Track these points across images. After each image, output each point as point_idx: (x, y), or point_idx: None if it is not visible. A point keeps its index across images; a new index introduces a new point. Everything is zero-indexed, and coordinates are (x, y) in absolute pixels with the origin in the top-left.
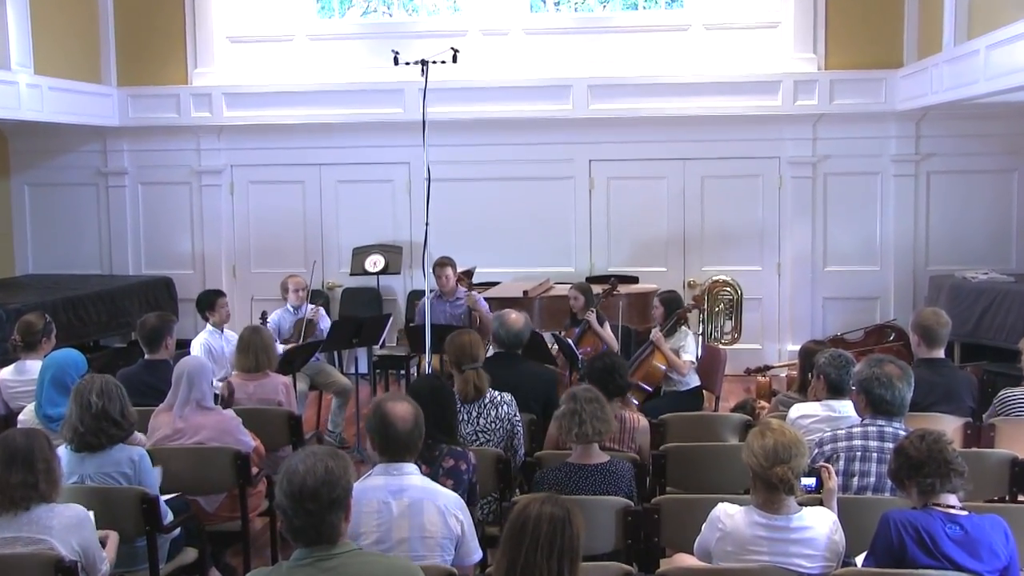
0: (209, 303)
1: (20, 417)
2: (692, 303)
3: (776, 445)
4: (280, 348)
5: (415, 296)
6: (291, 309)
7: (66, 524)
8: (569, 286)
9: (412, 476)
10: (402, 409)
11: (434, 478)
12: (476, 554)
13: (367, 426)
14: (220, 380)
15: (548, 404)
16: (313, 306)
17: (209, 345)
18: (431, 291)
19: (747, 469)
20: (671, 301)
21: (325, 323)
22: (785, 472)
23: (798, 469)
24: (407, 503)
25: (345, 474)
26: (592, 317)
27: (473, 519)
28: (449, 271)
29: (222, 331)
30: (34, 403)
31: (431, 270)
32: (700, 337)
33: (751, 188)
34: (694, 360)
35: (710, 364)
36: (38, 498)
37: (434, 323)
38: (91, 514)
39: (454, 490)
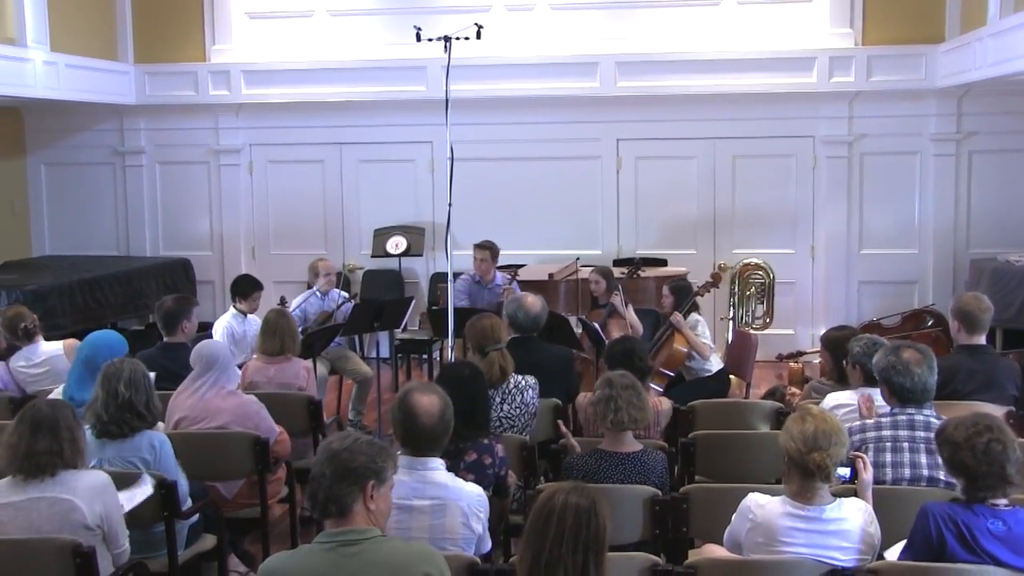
0: (243, 292)
1: (49, 399)
2: (710, 280)
3: (816, 431)
4: None
5: (438, 278)
6: (319, 294)
7: (90, 487)
8: (590, 269)
9: (437, 472)
10: (429, 402)
11: (455, 472)
12: (486, 547)
13: (391, 416)
14: (240, 365)
15: (569, 386)
16: (344, 295)
17: (232, 329)
18: (468, 274)
19: (783, 454)
20: (682, 289)
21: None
22: (823, 459)
23: (836, 457)
24: (429, 505)
25: (375, 456)
26: (617, 300)
27: (501, 513)
28: (488, 255)
29: (246, 316)
30: (64, 384)
31: (472, 252)
32: (731, 322)
33: (784, 168)
34: (712, 344)
35: (741, 350)
36: (63, 465)
37: (460, 307)
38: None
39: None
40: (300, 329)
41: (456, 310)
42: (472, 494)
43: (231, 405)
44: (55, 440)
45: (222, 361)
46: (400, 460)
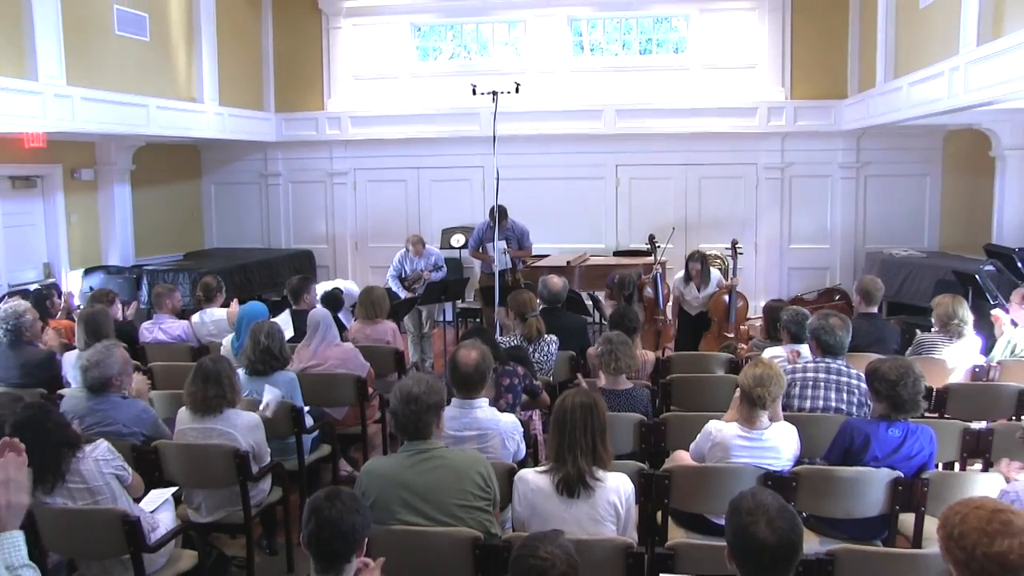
0: (296, 293)
1: (223, 343)
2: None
3: (763, 374)
4: (394, 285)
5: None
6: (412, 256)
7: (246, 425)
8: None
9: (479, 410)
10: (467, 355)
11: (499, 395)
12: (520, 455)
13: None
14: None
15: (583, 344)
16: (435, 256)
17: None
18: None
19: (739, 389)
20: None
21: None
22: (763, 392)
23: (774, 394)
24: (476, 435)
25: (441, 392)
26: (659, 273)
27: (542, 407)
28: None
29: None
30: (232, 336)
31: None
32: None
33: (735, 187)
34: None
35: None
36: (226, 404)
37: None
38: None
39: (514, 401)
40: (398, 278)
41: (501, 288)
42: (507, 423)
43: (337, 352)
44: (219, 388)
45: (323, 321)
46: (453, 401)
